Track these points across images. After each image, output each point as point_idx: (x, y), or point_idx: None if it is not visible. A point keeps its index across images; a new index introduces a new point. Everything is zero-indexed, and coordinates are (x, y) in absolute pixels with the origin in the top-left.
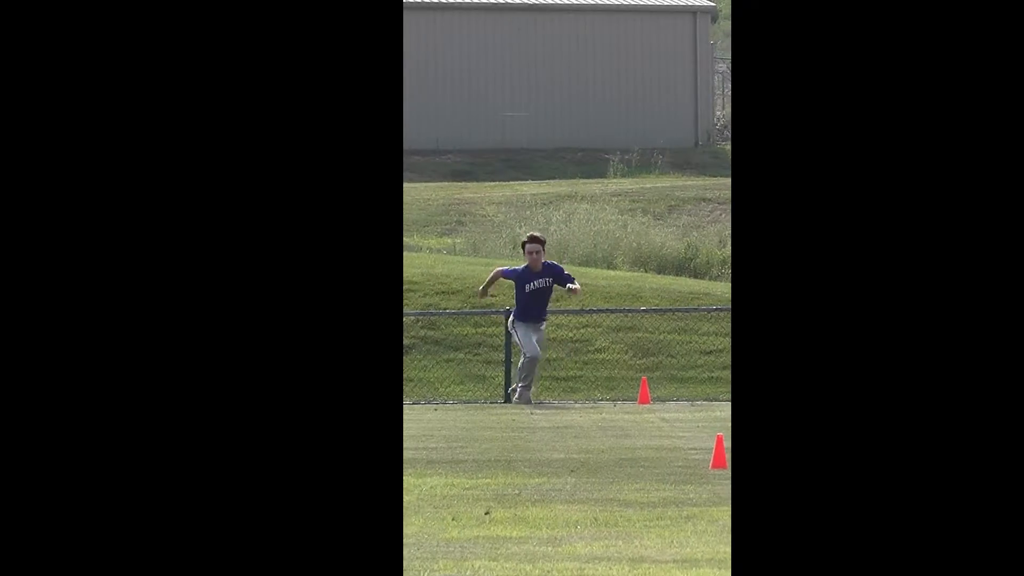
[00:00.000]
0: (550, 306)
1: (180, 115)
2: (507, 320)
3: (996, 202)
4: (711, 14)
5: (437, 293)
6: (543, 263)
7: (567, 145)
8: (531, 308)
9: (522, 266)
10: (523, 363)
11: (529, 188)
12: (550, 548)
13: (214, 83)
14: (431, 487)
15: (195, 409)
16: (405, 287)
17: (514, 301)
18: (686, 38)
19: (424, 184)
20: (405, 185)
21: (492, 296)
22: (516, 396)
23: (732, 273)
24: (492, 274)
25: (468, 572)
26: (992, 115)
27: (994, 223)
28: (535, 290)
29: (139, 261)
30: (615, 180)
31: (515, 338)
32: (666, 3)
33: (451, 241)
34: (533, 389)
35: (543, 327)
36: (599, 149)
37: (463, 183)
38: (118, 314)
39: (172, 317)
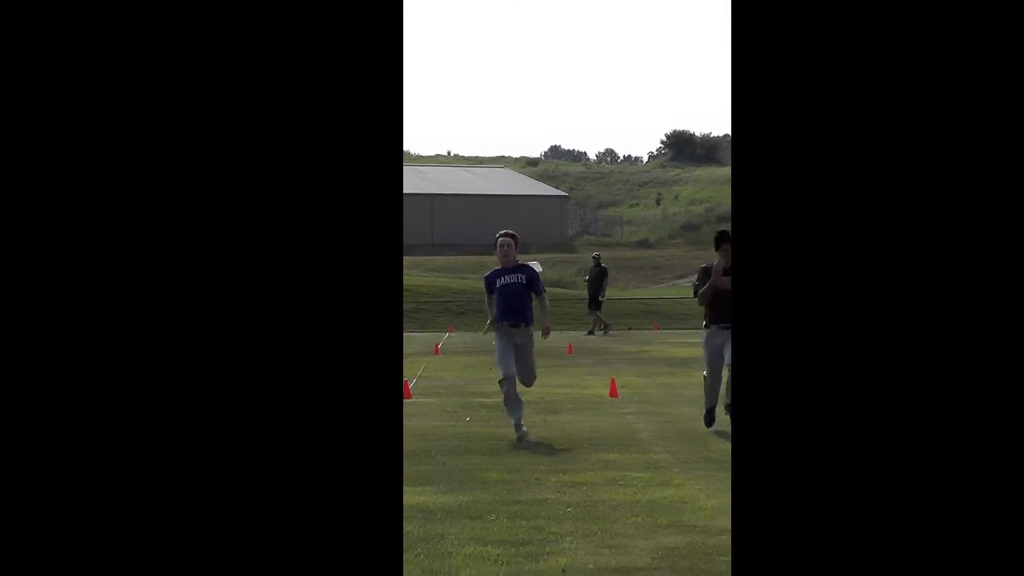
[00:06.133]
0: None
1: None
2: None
3: (993, 209)
4: (568, 196)
5: (479, 291)
6: (517, 262)
7: None
8: (505, 307)
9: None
10: (501, 387)
11: None
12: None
13: (215, 84)
14: (459, 374)
15: (201, 402)
16: (467, 287)
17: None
18: (557, 207)
19: (463, 256)
20: (459, 257)
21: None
22: (517, 439)
23: (733, 273)
24: (487, 300)
25: (474, 403)
26: (990, 123)
27: (991, 230)
28: (506, 285)
29: (140, 257)
30: (533, 255)
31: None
32: (549, 195)
33: (476, 275)
34: (521, 423)
35: (527, 340)
36: (527, 243)
37: (482, 257)
38: (117, 314)
39: (177, 315)
